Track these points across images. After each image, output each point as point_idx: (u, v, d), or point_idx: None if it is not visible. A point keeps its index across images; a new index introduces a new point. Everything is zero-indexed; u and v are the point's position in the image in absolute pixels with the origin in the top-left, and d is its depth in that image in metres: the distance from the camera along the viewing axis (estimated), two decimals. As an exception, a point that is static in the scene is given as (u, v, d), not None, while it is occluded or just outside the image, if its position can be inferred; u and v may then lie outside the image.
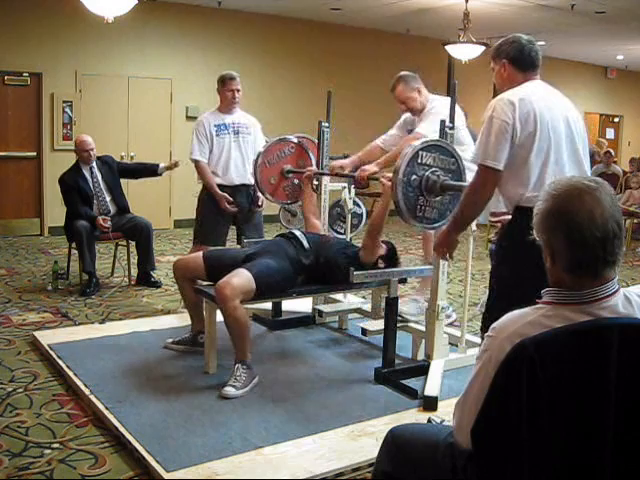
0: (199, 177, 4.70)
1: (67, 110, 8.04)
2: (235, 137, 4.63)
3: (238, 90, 4.58)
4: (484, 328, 2.70)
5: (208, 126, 4.58)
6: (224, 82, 4.57)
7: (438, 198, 3.09)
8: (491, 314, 2.66)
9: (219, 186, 4.58)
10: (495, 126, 2.49)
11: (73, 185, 5.28)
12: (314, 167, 4.28)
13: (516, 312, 1.46)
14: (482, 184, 2.55)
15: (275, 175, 4.34)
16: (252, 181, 4.48)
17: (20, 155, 7.96)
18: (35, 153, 8.03)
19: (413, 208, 3.03)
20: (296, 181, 4.43)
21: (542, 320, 1.41)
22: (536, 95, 2.56)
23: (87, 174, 5.34)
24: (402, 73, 4.10)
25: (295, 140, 4.43)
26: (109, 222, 5.25)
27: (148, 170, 5.62)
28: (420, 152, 3.00)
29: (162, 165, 5.50)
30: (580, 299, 1.41)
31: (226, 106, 4.62)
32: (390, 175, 3.16)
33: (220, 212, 4.58)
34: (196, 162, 4.60)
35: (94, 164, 5.37)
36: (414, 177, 2.99)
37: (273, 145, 4.33)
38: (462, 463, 1.51)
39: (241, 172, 4.64)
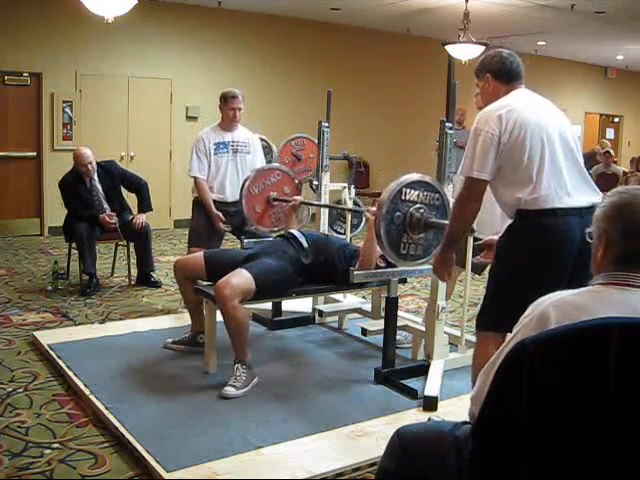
0: (195, 191, 4.69)
1: (67, 110, 8.04)
2: (233, 156, 4.62)
3: (240, 109, 4.55)
4: (479, 326, 2.70)
5: (208, 144, 4.57)
6: (226, 100, 4.54)
7: (422, 235, 3.11)
8: (486, 312, 2.67)
9: (214, 202, 4.57)
10: (480, 138, 2.53)
11: (72, 191, 5.27)
12: (300, 197, 4.24)
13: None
14: (468, 195, 2.58)
15: (260, 203, 4.23)
16: None
17: (20, 155, 7.96)
18: (35, 153, 8.03)
19: (397, 245, 3.05)
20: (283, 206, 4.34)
21: (587, 292, 1.51)
22: (522, 102, 2.60)
23: (87, 182, 5.31)
24: None
25: (281, 168, 4.37)
26: (115, 218, 5.24)
27: (139, 199, 5.46)
28: (404, 189, 3.02)
29: (138, 216, 5.36)
30: (625, 280, 1.49)
31: (227, 123, 4.61)
32: (374, 209, 3.18)
33: (209, 224, 4.56)
34: (195, 179, 4.61)
35: (95, 176, 5.31)
36: (397, 214, 3.01)
37: (259, 173, 4.25)
38: (467, 457, 1.52)
39: (235, 191, 4.58)
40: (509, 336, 1.56)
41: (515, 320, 2.60)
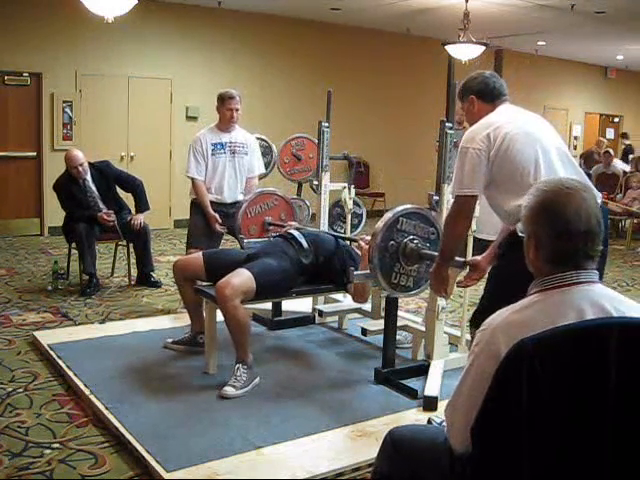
0: (192, 192, 4.70)
1: (67, 110, 8.04)
2: (231, 157, 4.61)
3: (237, 109, 4.54)
4: (476, 325, 2.69)
5: (205, 144, 4.57)
6: (223, 100, 4.53)
7: (415, 266, 3.13)
8: (485, 313, 2.66)
9: (212, 203, 4.57)
10: (468, 156, 2.58)
11: (66, 192, 5.28)
12: (295, 222, 4.22)
13: (505, 307, 1.54)
14: (459, 213, 2.63)
15: (255, 226, 4.22)
16: (241, 197, 4.51)
17: (20, 155, 7.96)
18: (35, 153, 8.03)
19: (389, 274, 3.07)
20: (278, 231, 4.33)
21: (528, 305, 1.49)
22: (508, 117, 2.64)
23: (80, 183, 5.29)
24: None
25: (279, 193, 4.35)
26: (112, 215, 5.23)
27: (135, 199, 5.46)
28: (400, 218, 3.05)
29: (136, 217, 5.34)
30: (562, 282, 1.48)
31: (224, 124, 4.60)
32: (368, 238, 3.22)
33: (207, 226, 4.57)
34: (192, 180, 4.61)
35: (88, 177, 5.30)
36: (391, 243, 3.04)
37: (257, 196, 4.24)
38: (461, 464, 1.51)
39: (233, 192, 4.63)
40: (465, 367, 1.54)
41: None
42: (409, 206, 3.14)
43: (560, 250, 1.48)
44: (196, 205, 4.66)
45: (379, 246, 3.01)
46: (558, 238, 1.47)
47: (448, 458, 1.56)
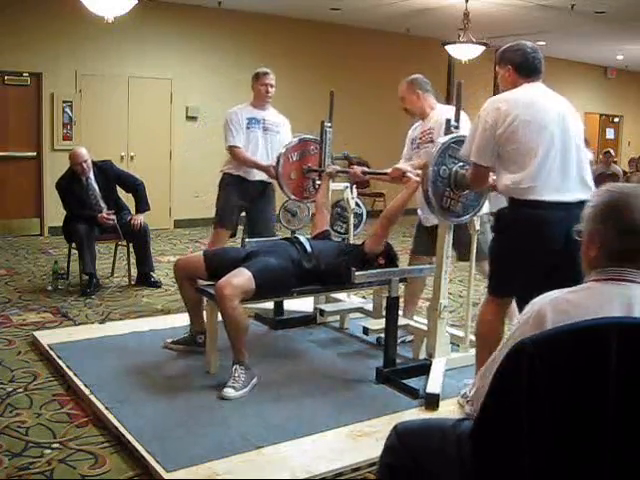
0: (225, 163, 4.70)
1: (67, 110, 8.03)
2: (264, 134, 4.62)
3: (272, 85, 4.61)
4: (488, 290, 2.89)
5: (241, 117, 4.58)
6: (258, 77, 4.60)
7: (464, 193, 3.20)
8: (490, 279, 2.88)
9: (238, 178, 4.59)
10: (480, 126, 2.67)
11: (69, 191, 5.28)
12: (336, 166, 4.28)
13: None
14: (474, 178, 2.81)
15: (296, 171, 4.35)
16: (269, 179, 4.54)
17: (20, 155, 7.95)
18: (35, 153, 8.03)
19: (440, 198, 3.13)
20: (313, 181, 4.43)
21: (581, 290, 1.52)
22: (529, 97, 2.68)
23: (83, 181, 5.31)
24: (414, 76, 4.21)
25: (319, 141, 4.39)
26: (112, 215, 5.24)
27: (136, 199, 5.49)
28: (452, 145, 3.10)
29: (135, 217, 5.36)
30: (618, 276, 1.50)
31: (258, 101, 4.63)
32: (419, 171, 3.33)
33: (236, 200, 4.61)
34: (234, 148, 4.58)
35: (90, 174, 5.31)
36: (444, 168, 3.11)
37: (297, 143, 4.35)
38: (469, 451, 1.51)
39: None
40: (507, 334, 1.57)
41: (508, 288, 2.74)
42: (460, 133, 3.17)
43: (625, 248, 1.50)
44: (227, 179, 4.65)
45: (433, 171, 3.07)
46: (625, 236, 1.49)
47: (456, 451, 1.55)
